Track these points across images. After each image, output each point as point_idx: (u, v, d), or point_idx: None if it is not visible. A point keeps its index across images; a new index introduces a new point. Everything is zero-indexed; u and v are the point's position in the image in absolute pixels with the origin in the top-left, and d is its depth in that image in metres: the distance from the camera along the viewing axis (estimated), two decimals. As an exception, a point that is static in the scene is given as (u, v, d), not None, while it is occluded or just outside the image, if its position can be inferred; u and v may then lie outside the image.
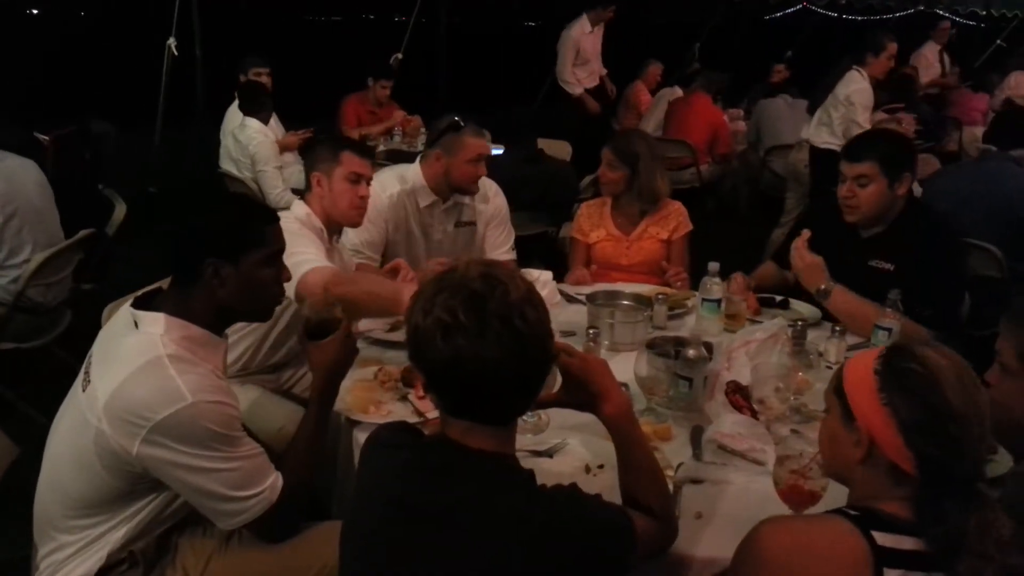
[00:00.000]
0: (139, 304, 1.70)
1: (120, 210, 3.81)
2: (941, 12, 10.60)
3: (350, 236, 2.93)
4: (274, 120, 5.11)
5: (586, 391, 1.48)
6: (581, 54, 6.69)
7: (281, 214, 2.21)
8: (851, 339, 2.45)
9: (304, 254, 2.22)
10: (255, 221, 1.75)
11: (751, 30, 10.94)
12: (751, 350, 2.08)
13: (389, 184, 3.01)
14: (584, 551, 1.24)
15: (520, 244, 4.06)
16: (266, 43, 5.90)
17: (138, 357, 1.59)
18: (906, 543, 1.17)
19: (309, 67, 7.41)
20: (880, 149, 2.62)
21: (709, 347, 2.09)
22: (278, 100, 5.29)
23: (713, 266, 2.60)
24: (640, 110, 7.50)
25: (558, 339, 2.26)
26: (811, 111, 5.28)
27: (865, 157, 2.61)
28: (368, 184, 2.54)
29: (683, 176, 6.52)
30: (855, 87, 4.85)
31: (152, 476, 1.61)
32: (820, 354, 2.40)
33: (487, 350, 1.20)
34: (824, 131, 5.06)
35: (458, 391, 1.27)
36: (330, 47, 8.83)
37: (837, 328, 2.40)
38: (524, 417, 1.86)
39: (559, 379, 1.52)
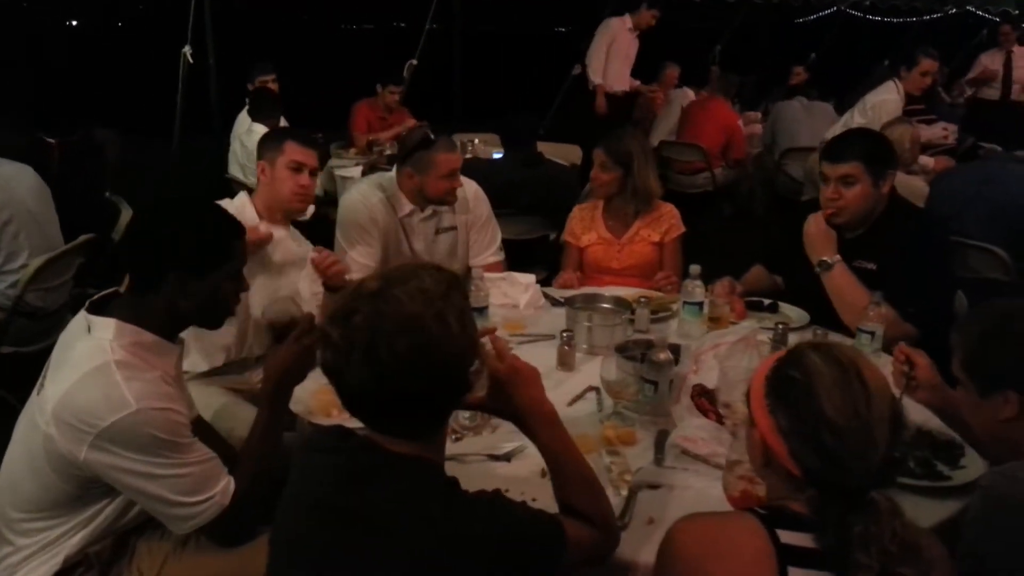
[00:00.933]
0: (94, 308, 1.70)
1: (126, 215, 3.88)
2: (974, 10, 10.34)
3: (345, 249, 2.95)
4: (283, 125, 5.17)
5: (510, 400, 1.44)
6: (614, 48, 6.66)
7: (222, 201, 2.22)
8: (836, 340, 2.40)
9: None
10: (225, 236, 1.74)
11: (777, 33, 10.82)
12: (720, 353, 2.04)
13: (370, 193, 3.00)
14: (503, 557, 1.22)
15: (521, 248, 4.06)
16: (278, 51, 5.97)
17: (86, 362, 1.59)
18: (809, 541, 1.15)
19: (322, 74, 7.49)
20: (863, 148, 2.57)
21: (676, 350, 2.05)
22: (290, 107, 5.35)
23: (694, 268, 2.57)
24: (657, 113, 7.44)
25: (518, 341, 2.25)
26: (840, 114, 5.18)
27: (848, 157, 2.56)
28: (312, 175, 2.53)
29: (697, 180, 6.46)
30: (883, 97, 4.77)
31: (104, 481, 1.62)
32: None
33: (353, 374, 1.20)
34: None
35: (351, 407, 1.27)
36: (343, 54, 8.92)
37: (819, 331, 2.35)
38: (463, 417, 1.85)
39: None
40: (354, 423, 1.49)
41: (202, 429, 2.03)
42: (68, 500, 1.66)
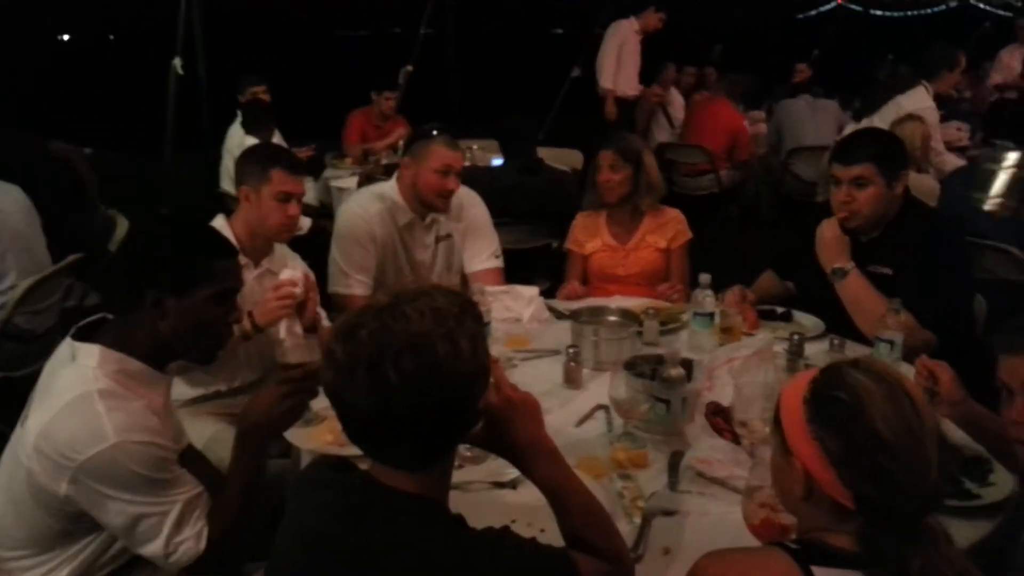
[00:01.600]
0: (80, 334, 1.63)
1: (122, 227, 3.81)
2: (975, 2, 10.26)
3: (340, 264, 2.86)
4: (277, 138, 5.08)
5: (504, 435, 1.32)
6: (624, 52, 6.51)
7: None
8: (851, 351, 2.30)
9: None
10: (204, 254, 1.65)
11: (778, 30, 10.73)
12: (735, 368, 1.94)
13: (369, 204, 2.90)
14: None
15: (523, 257, 3.96)
16: (270, 59, 5.88)
17: (69, 392, 1.52)
18: None
19: (315, 82, 7.40)
20: (874, 149, 2.48)
21: (688, 365, 1.95)
22: (282, 117, 5.27)
23: (704, 277, 2.47)
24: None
25: (522, 358, 2.15)
26: (858, 115, 4.96)
27: (860, 158, 2.46)
28: (299, 203, 2.41)
29: (701, 182, 6.37)
30: (924, 106, 4.58)
31: (90, 515, 1.54)
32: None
33: (355, 395, 1.11)
34: None
35: (350, 434, 1.18)
36: (337, 61, 8.84)
37: (836, 341, 2.25)
38: (463, 447, 1.74)
39: None
40: (351, 450, 1.40)
41: (193, 458, 1.95)
42: (55, 535, 1.59)
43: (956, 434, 1.78)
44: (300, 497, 1.29)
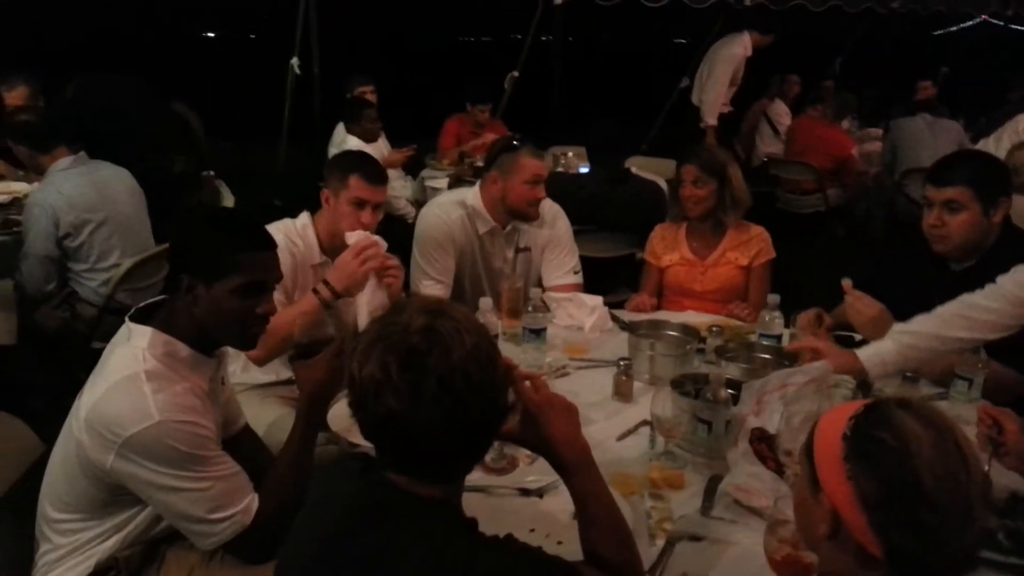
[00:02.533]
0: (137, 315, 1.71)
1: (228, 200, 4.05)
2: None
3: (420, 265, 2.90)
4: (382, 138, 5.23)
5: (540, 432, 1.34)
6: (733, 79, 6.24)
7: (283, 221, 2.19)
8: (926, 387, 2.17)
9: None
10: (231, 247, 1.65)
11: (907, 45, 10.18)
12: (788, 394, 1.85)
13: (451, 209, 2.93)
14: None
15: (606, 267, 3.92)
16: (383, 62, 6.05)
17: (119, 371, 1.60)
18: None
19: (423, 87, 7.54)
20: (971, 171, 2.33)
21: (737, 387, 1.88)
22: (390, 118, 5.42)
23: (773, 299, 2.39)
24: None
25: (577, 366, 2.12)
26: (976, 137, 4.65)
27: (955, 181, 2.32)
28: (374, 211, 2.44)
29: (808, 200, 6.13)
30: None
31: (130, 490, 1.62)
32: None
33: (421, 413, 1.11)
34: None
35: (392, 450, 1.19)
36: (446, 65, 8.99)
37: (908, 374, 2.11)
38: (488, 459, 1.75)
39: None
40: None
41: (248, 440, 2.04)
42: (99, 505, 1.67)
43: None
44: (322, 488, 1.33)
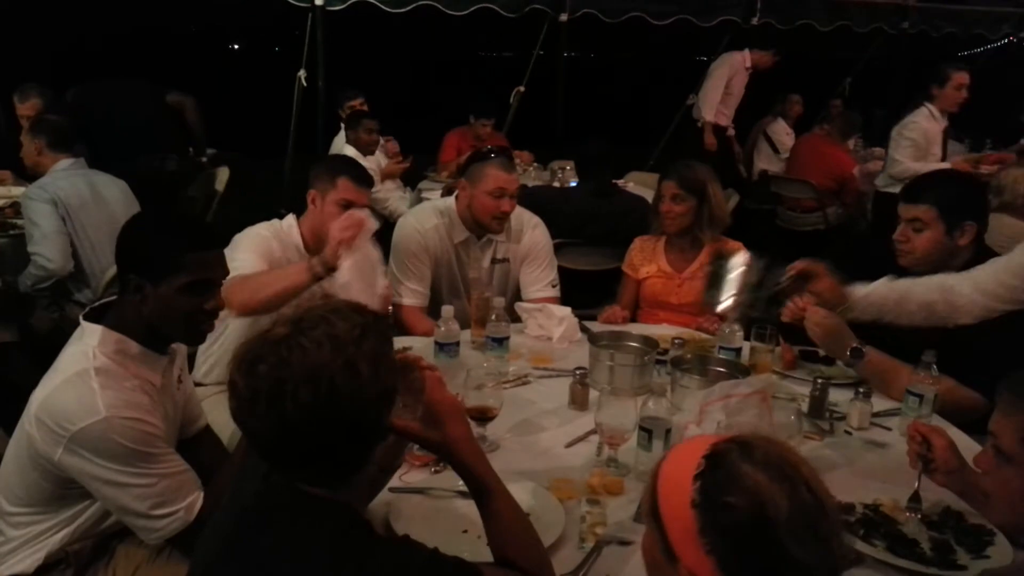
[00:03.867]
0: (91, 314, 1.76)
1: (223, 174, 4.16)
2: None
3: (395, 274, 2.92)
4: (380, 150, 5.31)
5: (443, 431, 1.34)
6: (730, 86, 6.42)
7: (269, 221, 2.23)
8: (879, 403, 2.18)
9: (235, 260, 2.10)
10: (176, 247, 1.69)
11: (923, 65, 10.13)
12: (730, 405, 1.87)
13: (426, 218, 2.97)
14: None
15: (592, 279, 3.94)
16: (386, 77, 6.13)
17: (70, 367, 1.65)
18: None
19: (428, 101, 7.61)
20: (939, 193, 2.34)
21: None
22: (395, 132, 5.50)
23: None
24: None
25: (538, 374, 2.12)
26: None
27: (921, 199, 2.34)
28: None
29: (808, 219, 6.12)
30: None
31: (80, 483, 1.66)
32: (841, 417, 2.14)
33: (255, 423, 1.16)
34: None
35: (258, 453, 1.23)
36: (451, 80, 9.08)
37: (861, 390, 2.12)
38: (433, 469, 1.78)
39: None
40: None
41: (208, 441, 2.08)
42: (49, 498, 1.72)
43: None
44: (232, 491, 1.36)
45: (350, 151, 4.84)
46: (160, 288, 1.67)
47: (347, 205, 2.46)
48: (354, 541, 1.18)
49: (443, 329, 2.30)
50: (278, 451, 1.19)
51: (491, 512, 1.36)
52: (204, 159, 4.83)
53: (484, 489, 1.36)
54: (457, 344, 2.32)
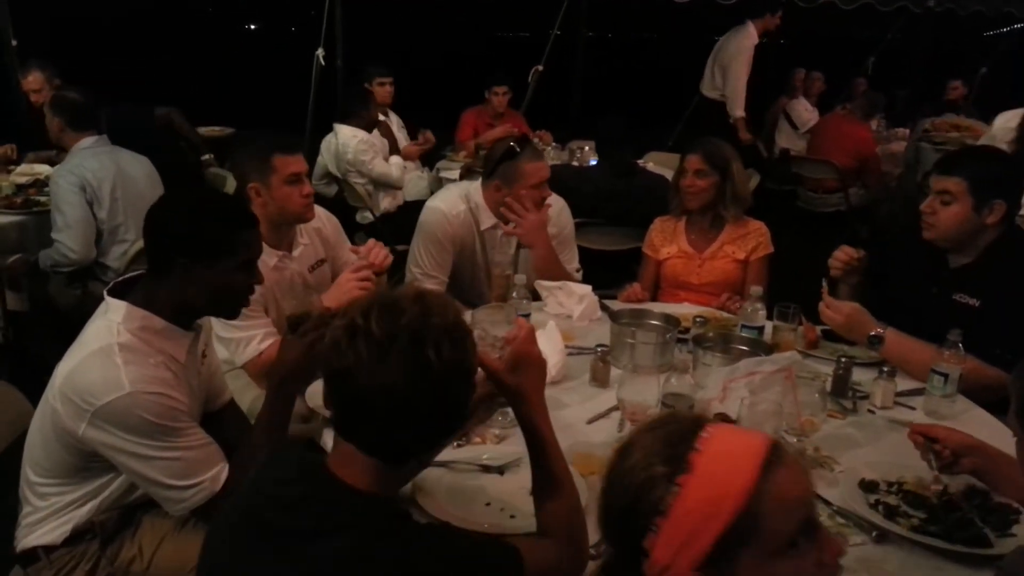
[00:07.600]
0: (115, 289, 1.76)
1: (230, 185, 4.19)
2: None
3: (418, 258, 2.92)
4: (398, 130, 5.29)
5: (519, 379, 1.38)
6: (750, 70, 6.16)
7: None
8: (904, 382, 2.16)
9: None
10: (230, 228, 1.73)
11: (948, 44, 9.98)
12: (754, 382, 1.86)
13: (454, 203, 2.94)
14: None
15: (612, 260, 3.93)
16: (405, 57, 6.11)
17: (93, 343, 1.66)
18: None
19: (446, 81, 7.57)
20: (972, 167, 2.30)
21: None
22: (412, 113, 5.47)
23: (756, 290, 2.40)
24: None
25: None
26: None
27: (954, 172, 2.31)
28: (308, 179, 2.43)
29: (830, 200, 6.07)
30: None
31: (103, 457, 1.67)
32: (865, 396, 2.13)
33: (385, 372, 1.11)
34: None
35: (344, 409, 1.17)
36: (469, 60, 9.03)
37: (885, 369, 2.11)
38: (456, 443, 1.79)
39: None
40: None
41: (232, 415, 2.09)
42: (73, 470, 1.74)
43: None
44: (266, 463, 1.32)
45: (344, 129, 4.68)
46: (215, 269, 1.70)
47: (295, 179, 2.36)
48: (394, 530, 1.17)
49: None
50: (390, 404, 1.12)
51: (543, 467, 1.39)
52: (205, 158, 4.89)
53: (542, 443, 1.40)
54: None
